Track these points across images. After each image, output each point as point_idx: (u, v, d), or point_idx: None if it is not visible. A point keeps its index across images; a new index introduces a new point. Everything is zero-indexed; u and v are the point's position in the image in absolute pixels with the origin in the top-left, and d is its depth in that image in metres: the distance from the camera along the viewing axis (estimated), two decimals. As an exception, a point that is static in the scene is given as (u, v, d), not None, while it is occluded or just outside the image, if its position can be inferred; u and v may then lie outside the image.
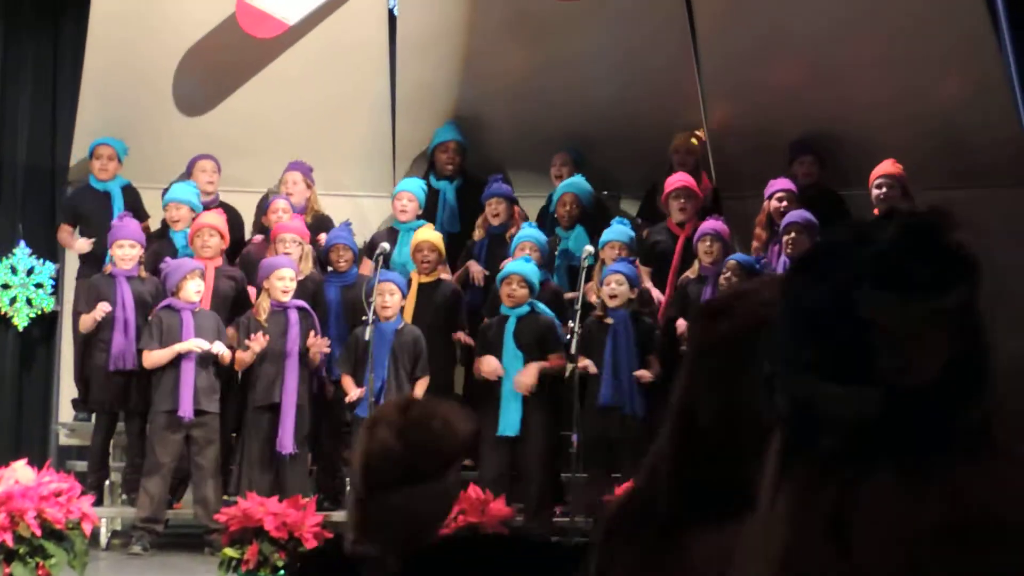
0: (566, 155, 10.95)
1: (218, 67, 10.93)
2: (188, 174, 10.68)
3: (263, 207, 10.58)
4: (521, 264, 9.44)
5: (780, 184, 9.96)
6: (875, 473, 1.31)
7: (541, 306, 9.46)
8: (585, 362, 9.17)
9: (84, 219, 10.45)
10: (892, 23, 10.11)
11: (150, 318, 9.44)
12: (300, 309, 9.47)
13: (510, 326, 9.34)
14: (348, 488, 2.78)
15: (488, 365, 9.33)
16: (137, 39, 10.74)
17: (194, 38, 10.86)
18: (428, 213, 10.68)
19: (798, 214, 9.53)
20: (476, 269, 10.29)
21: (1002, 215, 9.91)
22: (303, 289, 9.66)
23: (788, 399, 1.35)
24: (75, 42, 11.05)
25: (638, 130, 10.80)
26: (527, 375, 9.24)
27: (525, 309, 9.36)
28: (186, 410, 9.21)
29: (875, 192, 9.65)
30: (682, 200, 10.12)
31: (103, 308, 9.51)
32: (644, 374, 9.16)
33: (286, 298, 9.42)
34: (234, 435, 9.77)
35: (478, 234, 10.46)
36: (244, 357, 9.42)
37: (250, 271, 10.01)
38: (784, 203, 9.86)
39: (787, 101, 10.47)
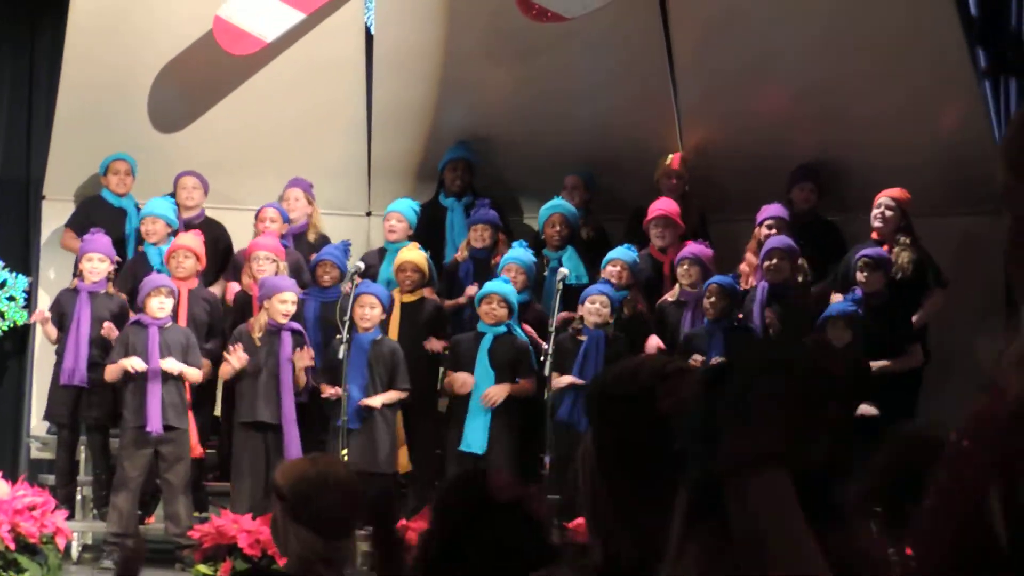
0: (577, 178, 10.73)
1: (195, 83, 10.94)
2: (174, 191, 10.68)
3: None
4: (501, 284, 9.46)
5: (772, 211, 9.86)
6: None
7: (518, 329, 9.50)
8: (561, 380, 9.21)
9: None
10: (877, 45, 10.09)
11: (118, 334, 9.44)
12: (294, 332, 9.49)
13: (486, 343, 9.37)
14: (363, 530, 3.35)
15: (458, 380, 9.37)
16: (114, 53, 10.73)
17: (171, 54, 10.85)
18: (436, 229, 10.67)
19: (780, 239, 9.50)
20: (435, 344, 9.77)
21: (996, 241, 9.97)
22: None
23: (698, 473, 1.71)
24: (51, 54, 11.02)
25: (618, 153, 10.81)
26: (499, 390, 9.27)
27: (502, 329, 9.40)
28: (154, 426, 9.20)
29: (875, 211, 9.60)
30: (661, 228, 10.11)
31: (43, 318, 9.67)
32: None
33: (285, 321, 9.45)
34: (211, 451, 9.82)
35: (461, 255, 10.39)
36: (225, 370, 9.49)
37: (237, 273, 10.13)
38: (773, 231, 9.75)
39: (772, 125, 10.44)
